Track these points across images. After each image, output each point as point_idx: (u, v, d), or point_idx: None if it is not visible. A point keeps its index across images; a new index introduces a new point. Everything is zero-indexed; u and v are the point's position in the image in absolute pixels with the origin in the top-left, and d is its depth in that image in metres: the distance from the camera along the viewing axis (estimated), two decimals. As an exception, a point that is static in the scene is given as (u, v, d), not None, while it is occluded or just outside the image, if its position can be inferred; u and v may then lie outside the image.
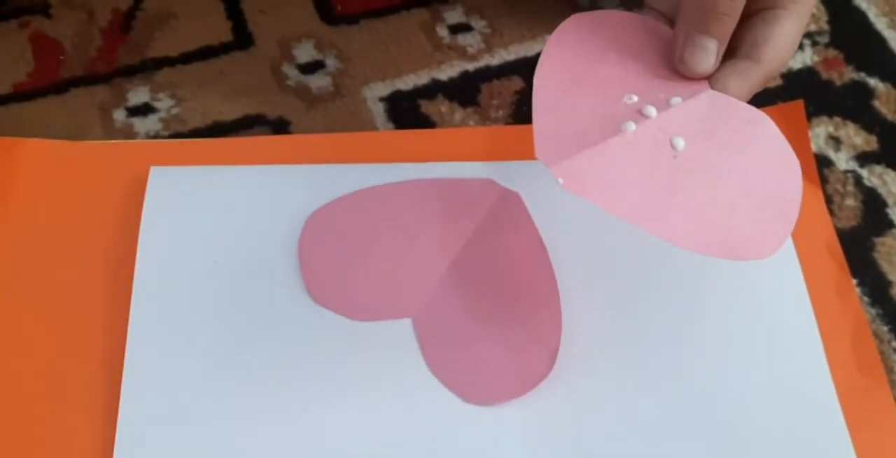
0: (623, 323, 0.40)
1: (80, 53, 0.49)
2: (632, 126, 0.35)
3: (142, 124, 0.47)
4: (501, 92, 0.49)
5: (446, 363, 0.39)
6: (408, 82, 0.49)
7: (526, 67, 0.50)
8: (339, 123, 0.47)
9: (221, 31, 0.51)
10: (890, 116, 0.48)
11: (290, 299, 0.40)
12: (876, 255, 0.44)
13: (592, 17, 0.38)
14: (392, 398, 0.38)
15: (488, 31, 0.51)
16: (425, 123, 0.48)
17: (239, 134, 0.47)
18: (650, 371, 0.39)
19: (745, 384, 0.39)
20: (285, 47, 0.50)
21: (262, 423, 0.37)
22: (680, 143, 0.35)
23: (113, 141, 0.46)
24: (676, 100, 0.36)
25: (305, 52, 0.50)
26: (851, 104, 0.49)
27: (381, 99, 0.48)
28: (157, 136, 0.46)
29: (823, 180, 0.46)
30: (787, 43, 0.37)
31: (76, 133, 0.46)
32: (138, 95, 0.48)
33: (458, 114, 0.48)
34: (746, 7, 0.37)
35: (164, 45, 0.50)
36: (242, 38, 0.50)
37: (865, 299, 0.43)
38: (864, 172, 0.47)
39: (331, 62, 0.50)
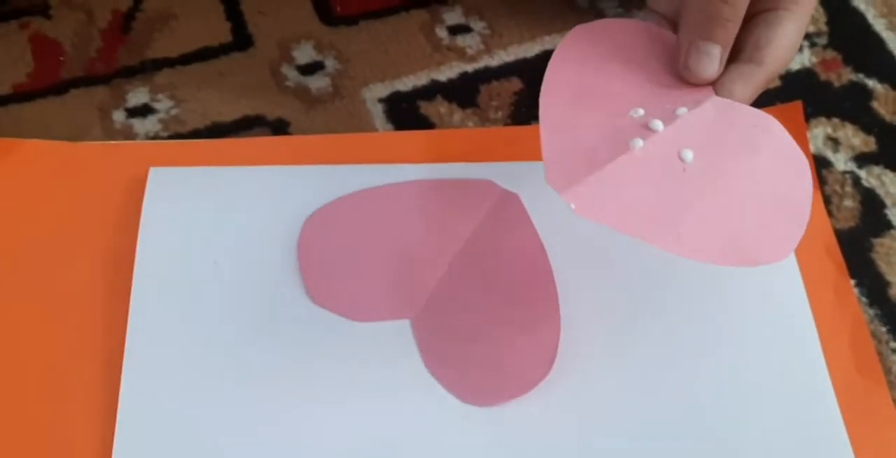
0: (621, 324, 0.40)
1: (79, 54, 0.49)
2: (639, 143, 0.35)
3: (141, 125, 0.47)
4: (500, 93, 0.49)
5: (444, 364, 0.39)
6: (407, 83, 0.49)
7: (525, 69, 0.50)
8: (339, 124, 0.47)
9: (221, 32, 0.51)
10: (888, 117, 0.49)
11: (289, 299, 0.40)
12: (874, 256, 0.44)
13: (595, 28, 0.38)
14: (390, 399, 0.38)
15: (487, 32, 0.51)
16: (424, 124, 0.48)
17: (238, 135, 0.47)
18: (648, 372, 0.39)
19: (743, 384, 0.39)
20: (284, 48, 0.50)
21: (260, 423, 0.37)
22: (688, 155, 0.35)
23: (112, 142, 0.46)
24: (682, 110, 0.36)
25: (305, 54, 0.50)
26: (850, 105, 0.49)
27: (381, 100, 0.48)
28: (156, 137, 0.47)
29: (822, 181, 0.46)
30: (788, 44, 0.38)
31: (76, 134, 0.46)
32: (138, 96, 0.48)
33: (458, 115, 0.48)
34: (748, 8, 0.37)
35: (164, 46, 0.50)
36: (242, 40, 0.50)
37: (864, 299, 0.43)
38: (862, 173, 0.47)
39: (330, 63, 0.50)
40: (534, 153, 0.45)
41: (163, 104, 0.48)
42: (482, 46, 0.51)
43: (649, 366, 0.39)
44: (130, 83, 0.48)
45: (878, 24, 0.52)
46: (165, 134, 0.47)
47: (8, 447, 0.37)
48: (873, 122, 0.48)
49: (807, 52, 0.51)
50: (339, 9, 0.52)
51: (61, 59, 0.49)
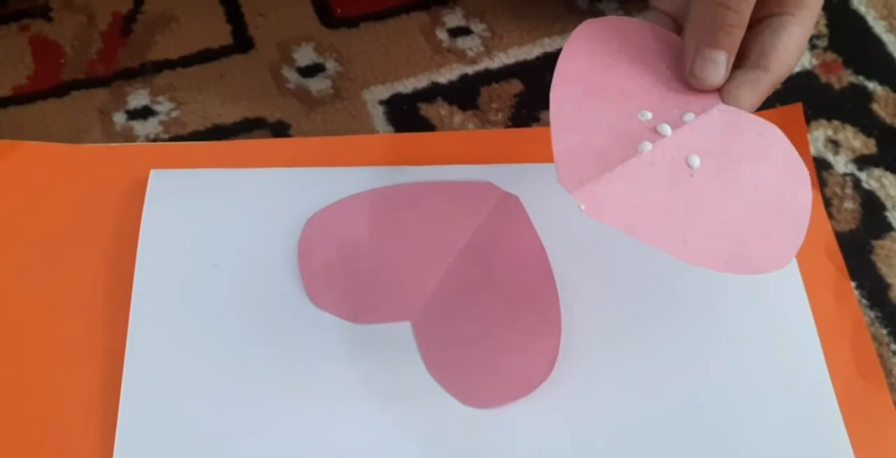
0: (622, 326, 0.40)
1: (80, 56, 0.49)
2: (648, 146, 0.35)
3: (142, 127, 0.47)
4: (501, 95, 0.49)
5: (445, 366, 0.39)
6: (407, 85, 0.49)
7: (525, 71, 0.50)
8: (339, 126, 0.47)
9: (221, 34, 0.51)
10: (888, 120, 0.49)
11: (289, 301, 0.40)
12: (875, 258, 0.44)
13: (604, 25, 0.38)
14: (391, 401, 0.38)
15: (488, 34, 0.51)
16: (425, 126, 0.48)
17: (239, 137, 0.47)
18: (649, 374, 0.39)
19: (744, 386, 0.39)
20: (285, 50, 0.50)
21: (260, 425, 0.37)
22: (695, 160, 0.35)
23: (113, 144, 0.46)
24: (689, 116, 0.36)
25: (305, 56, 0.50)
26: (850, 107, 0.49)
27: (381, 102, 0.48)
28: (156, 139, 0.47)
29: (822, 183, 0.46)
30: (794, 49, 0.38)
31: (76, 136, 0.46)
32: (138, 98, 0.48)
33: (458, 117, 0.48)
34: (753, 13, 0.37)
35: (164, 49, 0.50)
36: (242, 42, 0.50)
37: (864, 301, 0.43)
38: (862, 176, 0.47)
39: (330, 65, 0.50)
40: (534, 155, 0.46)
41: (163, 106, 0.48)
42: (482, 48, 0.51)
43: (650, 368, 0.39)
44: (131, 85, 0.48)
45: (879, 27, 0.52)
46: (166, 136, 0.47)
47: (9, 449, 0.37)
48: (873, 124, 0.48)
49: (807, 54, 0.51)
50: (339, 11, 0.52)
51: (62, 61, 0.49)
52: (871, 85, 0.50)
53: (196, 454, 0.37)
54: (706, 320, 0.41)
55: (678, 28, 0.40)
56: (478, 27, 0.52)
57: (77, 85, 0.48)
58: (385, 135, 0.47)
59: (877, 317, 0.42)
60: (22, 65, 0.49)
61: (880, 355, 0.41)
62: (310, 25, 0.51)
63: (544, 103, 0.48)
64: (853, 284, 0.43)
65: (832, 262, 0.43)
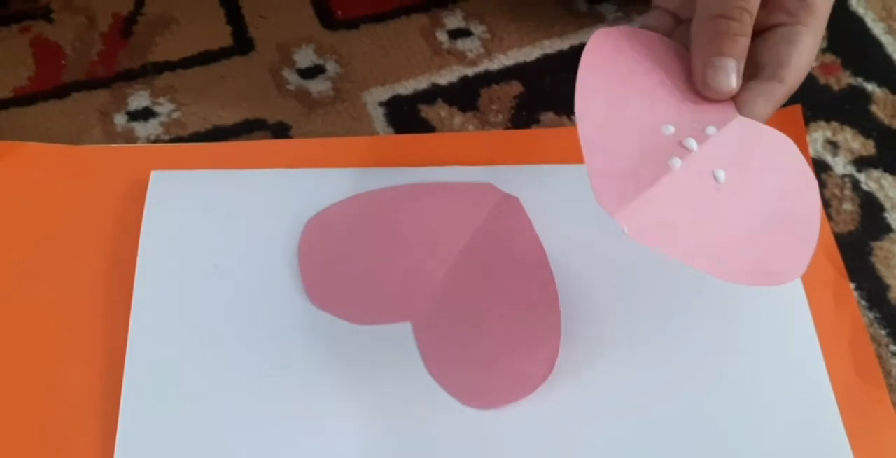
0: (621, 327, 0.41)
1: (81, 58, 0.49)
2: (677, 162, 0.35)
3: (142, 129, 0.47)
4: (501, 97, 0.49)
5: (446, 367, 0.39)
6: (408, 87, 0.49)
7: (525, 72, 0.50)
8: (340, 127, 0.48)
9: (222, 35, 0.51)
10: (887, 121, 0.49)
11: (289, 302, 0.40)
12: (873, 259, 0.44)
13: (614, 36, 0.38)
14: (391, 402, 0.38)
15: (487, 36, 0.51)
16: (425, 127, 0.48)
17: (239, 138, 0.47)
18: (648, 375, 0.39)
19: (743, 387, 0.39)
20: (285, 52, 0.50)
21: (261, 426, 0.38)
22: (721, 174, 0.35)
23: (114, 145, 0.46)
24: (711, 129, 0.36)
25: (306, 57, 0.50)
26: (849, 109, 0.49)
27: (381, 103, 0.48)
28: (157, 140, 0.47)
29: (821, 185, 0.46)
30: (808, 60, 0.38)
31: (76, 137, 0.46)
32: (139, 100, 0.48)
33: (458, 118, 0.48)
34: (762, 20, 0.38)
35: (165, 50, 0.50)
36: (243, 43, 0.50)
37: (863, 302, 0.43)
38: (861, 177, 0.47)
39: (331, 67, 0.50)
40: (534, 156, 0.46)
41: (164, 108, 0.48)
42: (482, 50, 0.51)
43: (649, 369, 0.39)
44: (131, 87, 0.48)
45: (877, 29, 0.52)
46: (167, 137, 0.47)
47: (9, 450, 0.37)
48: (872, 125, 0.49)
49: (806, 55, 0.51)
50: (339, 12, 0.52)
51: (62, 62, 0.49)
52: (870, 86, 0.50)
53: (196, 452, 0.37)
54: (705, 322, 0.41)
55: (677, 26, 0.40)
56: (478, 29, 0.52)
57: (78, 86, 0.48)
58: (385, 136, 0.47)
59: (876, 318, 0.42)
60: (23, 66, 0.49)
61: (879, 356, 0.41)
62: (310, 27, 0.51)
63: (544, 105, 0.49)
64: (852, 285, 0.43)
65: (831, 263, 0.43)
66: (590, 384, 0.39)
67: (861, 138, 0.48)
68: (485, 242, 0.42)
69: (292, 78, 0.49)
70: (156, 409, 0.38)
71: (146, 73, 0.49)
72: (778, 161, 0.37)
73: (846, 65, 0.51)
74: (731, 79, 0.37)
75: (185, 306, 0.40)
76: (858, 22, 0.52)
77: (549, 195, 0.44)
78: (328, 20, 0.52)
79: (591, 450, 0.38)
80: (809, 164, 0.46)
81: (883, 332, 0.42)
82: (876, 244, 0.45)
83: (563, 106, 0.49)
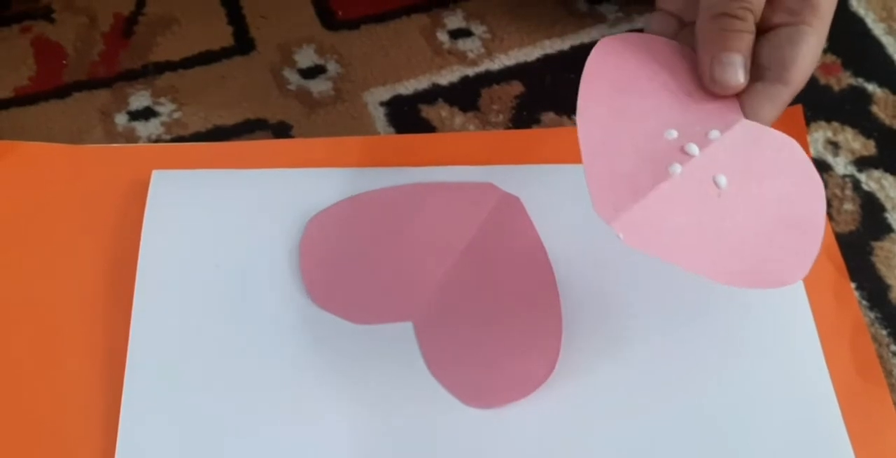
0: (623, 326, 0.41)
1: (82, 58, 0.49)
2: (678, 168, 0.35)
3: (143, 128, 0.47)
4: (501, 97, 0.49)
5: (447, 366, 0.39)
6: (408, 87, 0.49)
7: (525, 72, 0.50)
8: (340, 127, 0.48)
9: (223, 35, 0.51)
10: (888, 121, 0.49)
11: (291, 302, 0.40)
12: (874, 259, 0.44)
13: (618, 43, 0.38)
14: (393, 401, 0.38)
15: (488, 36, 0.51)
16: (426, 127, 0.48)
17: (240, 138, 0.47)
18: (649, 374, 0.39)
19: (744, 387, 0.39)
20: (286, 52, 0.50)
21: (262, 425, 0.38)
22: (722, 180, 0.35)
23: (115, 145, 0.46)
24: (715, 133, 0.36)
25: (306, 57, 0.50)
26: (850, 109, 0.49)
27: (382, 103, 0.49)
28: (158, 140, 0.47)
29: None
30: (812, 61, 0.38)
31: (77, 137, 0.46)
32: (140, 100, 0.48)
33: (459, 118, 0.48)
34: (765, 19, 0.38)
35: (166, 50, 0.50)
36: (244, 43, 0.51)
37: (864, 302, 0.43)
38: (862, 177, 0.47)
39: (332, 67, 0.50)
40: (534, 156, 0.46)
41: (165, 107, 0.48)
42: (483, 50, 0.51)
43: (650, 369, 0.40)
44: (132, 86, 0.49)
45: (878, 29, 0.52)
46: (168, 137, 0.47)
47: (10, 450, 0.37)
48: (873, 126, 0.49)
49: (806, 56, 0.51)
50: (340, 13, 0.52)
51: (63, 62, 0.49)
52: (871, 87, 0.50)
53: (197, 452, 0.37)
54: (707, 322, 0.41)
55: (681, 28, 0.40)
56: (478, 29, 0.52)
57: (79, 86, 0.48)
58: (386, 136, 0.47)
59: (877, 318, 0.42)
60: (24, 66, 0.49)
61: (880, 356, 0.41)
62: (311, 27, 0.51)
63: (544, 105, 0.49)
64: (853, 285, 0.43)
65: (832, 263, 0.43)
66: (591, 384, 0.39)
67: (862, 139, 0.48)
68: (485, 241, 0.42)
69: (293, 78, 0.49)
70: (157, 408, 0.38)
71: (147, 73, 0.49)
72: (783, 164, 0.37)
73: (847, 65, 0.51)
74: (739, 73, 0.37)
75: (187, 306, 0.40)
76: (859, 22, 0.52)
77: (550, 195, 0.44)
78: (329, 20, 0.52)
79: (592, 450, 0.38)
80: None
81: (884, 332, 0.42)
82: (877, 244, 0.45)
83: (564, 106, 0.49)
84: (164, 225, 0.42)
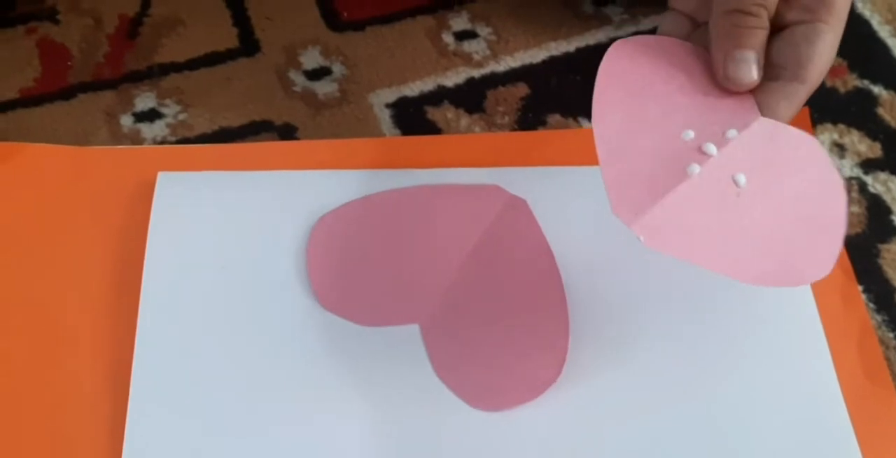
0: (630, 329, 0.40)
1: (87, 59, 0.49)
2: (696, 168, 0.35)
3: (149, 130, 0.47)
4: (507, 98, 0.49)
5: (454, 369, 0.39)
6: (414, 89, 0.49)
7: (531, 74, 0.50)
8: (346, 129, 0.48)
9: (228, 37, 0.51)
10: (894, 124, 0.49)
11: (297, 304, 0.40)
12: (881, 261, 0.44)
13: (632, 46, 0.38)
14: (399, 404, 0.38)
15: (493, 38, 0.51)
16: (431, 129, 0.48)
17: (246, 140, 0.47)
18: (656, 377, 0.39)
19: (752, 389, 0.39)
20: (291, 54, 0.50)
21: (268, 427, 0.37)
22: (742, 179, 0.35)
23: (120, 146, 0.46)
24: (732, 132, 0.36)
25: (312, 59, 0.50)
26: (856, 111, 0.49)
27: (388, 105, 0.48)
28: (164, 141, 0.47)
29: (828, 187, 0.46)
30: (828, 59, 0.38)
31: (83, 138, 0.46)
32: (145, 101, 0.48)
33: (464, 120, 0.48)
34: (780, 17, 0.38)
35: (171, 51, 0.50)
36: (249, 45, 0.50)
37: (871, 305, 0.43)
38: (868, 179, 0.47)
39: (337, 69, 0.50)
40: (540, 158, 0.46)
41: (170, 109, 0.48)
42: (488, 52, 0.51)
43: (657, 371, 0.39)
44: (138, 88, 0.48)
45: (883, 31, 0.52)
46: (173, 139, 0.47)
47: (17, 450, 0.37)
48: (879, 128, 0.49)
49: (812, 58, 0.51)
50: (345, 14, 0.52)
51: (69, 63, 0.49)
52: (877, 89, 0.50)
53: (203, 452, 0.37)
54: (714, 324, 0.41)
55: (695, 28, 0.40)
56: (483, 31, 0.52)
57: (84, 87, 0.48)
58: (392, 138, 0.47)
59: (884, 321, 0.42)
60: (29, 67, 0.49)
61: (887, 359, 0.41)
62: (316, 29, 0.51)
63: (550, 107, 0.49)
64: (860, 287, 0.43)
65: (839, 266, 0.43)
66: (598, 387, 0.39)
67: (868, 141, 0.48)
68: (492, 243, 0.42)
69: (298, 79, 0.49)
70: (163, 411, 0.38)
71: (152, 74, 0.49)
72: (802, 161, 0.37)
73: (853, 67, 0.51)
74: (752, 70, 0.37)
75: (193, 308, 0.40)
76: (865, 24, 0.52)
77: (556, 197, 0.44)
78: (334, 22, 0.52)
79: (600, 453, 0.38)
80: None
81: (891, 334, 0.42)
82: (883, 247, 0.45)
83: (570, 108, 0.49)
84: (169, 227, 0.42)
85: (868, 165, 0.47)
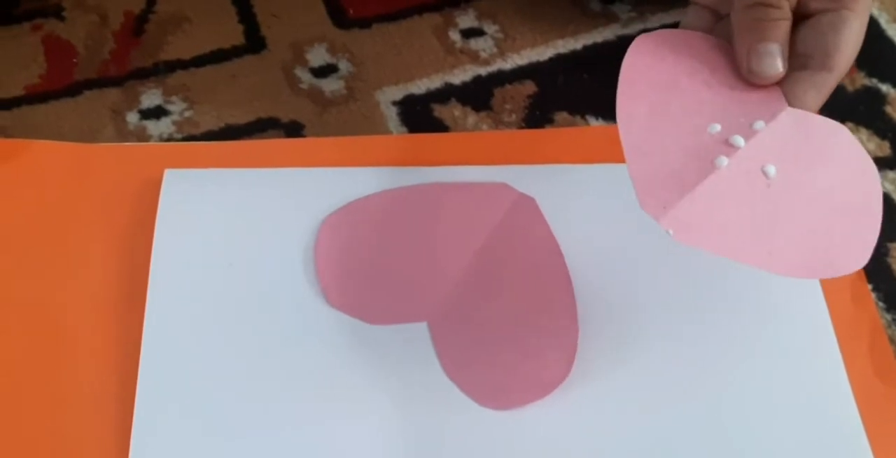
0: (639, 327, 0.40)
1: (92, 56, 0.49)
2: (724, 161, 0.35)
3: (155, 127, 0.47)
4: (514, 96, 0.49)
5: (462, 367, 0.39)
6: (421, 86, 0.49)
7: (538, 72, 0.50)
8: (353, 126, 0.47)
9: (234, 34, 0.51)
10: (902, 122, 0.49)
11: (305, 302, 0.40)
12: (890, 260, 0.44)
13: (654, 40, 0.38)
14: (408, 402, 0.38)
15: (500, 35, 0.51)
16: (438, 126, 0.47)
17: (252, 137, 0.47)
18: (666, 375, 0.39)
19: (762, 389, 0.39)
20: (298, 51, 0.50)
21: (275, 425, 0.37)
22: (771, 170, 0.35)
23: (127, 143, 0.46)
24: (759, 124, 0.36)
25: (318, 56, 0.50)
26: (864, 110, 0.49)
27: (395, 103, 0.48)
28: (170, 139, 0.46)
29: (837, 186, 0.46)
30: (855, 46, 0.37)
31: (89, 135, 0.46)
32: (151, 98, 0.48)
33: (471, 118, 0.48)
34: (804, 4, 0.37)
35: (177, 49, 0.50)
36: (255, 42, 0.50)
37: (880, 304, 0.43)
38: (877, 178, 0.47)
39: (343, 66, 0.50)
40: (548, 156, 0.46)
41: (176, 106, 0.47)
42: (495, 50, 0.51)
43: (667, 369, 0.39)
44: (144, 85, 0.48)
45: (891, 29, 0.52)
46: (179, 136, 0.46)
47: (24, 451, 0.37)
48: (887, 126, 0.48)
49: (820, 56, 0.51)
50: (351, 12, 0.52)
51: (74, 60, 0.49)
52: (885, 87, 0.50)
53: (211, 452, 0.37)
54: (724, 323, 0.40)
55: (717, 21, 0.40)
56: (490, 28, 0.51)
57: (90, 84, 0.48)
58: (399, 135, 0.47)
59: (893, 319, 0.42)
60: (34, 64, 0.49)
61: (897, 358, 0.41)
62: (322, 26, 0.51)
63: (557, 105, 0.49)
64: (869, 286, 0.43)
65: (849, 264, 0.43)
66: (608, 385, 0.39)
67: (876, 139, 0.48)
68: (501, 241, 0.42)
69: (305, 77, 0.49)
70: (170, 408, 0.37)
71: (158, 71, 0.49)
72: (832, 150, 0.36)
73: (861, 66, 0.51)
74: (777, 63, 0.36)
75: (200, 305, 0.40)
76: (873, 23, 0.52)
77: (564, 195, 0.44)
78: (340, 19, 0.51)
79: (610, 451, 0.37)
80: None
81: (900, 333, 0.42)
82: (892, 246, 0.44)
83: (577, 106, 0.48)
84: (176, 224, 0.42)
85: (877, 164, 0.46)
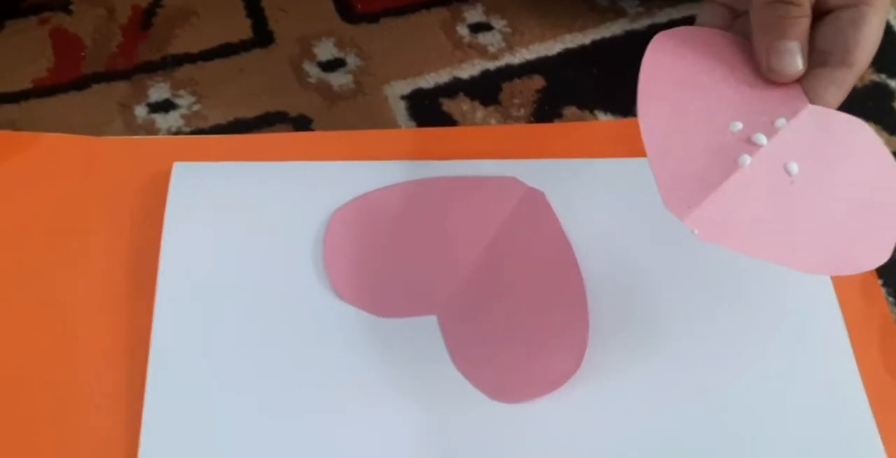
0: (649, 321, 0.40)
1: (100, 50, 0.49)
2: (747, 159, 0.35)
3: (163, 121, 0.47)
4: (523, 91, 0.49)
5: (472, 361, 0.39)
6: (429, 81, 0.49)
7: (547, 67, 0.50)
8: (361, 120, 0.47)
9: (241, 28, 0.50)
10: (911, 118, 0.49)
11: (314, 295, 0.40)
12: (900, 256, 0.44)
13: (673, 38, 0.38)
14: (417, 396, 0.38)
15: (508, 30, 0.51)
16: (447, 121, 0.47)
17: (260, 131, 0.47)
18: (676, 370, 0.39)
19: (773, 385, 0.39)
20: (306, 45, 0.50)
21: (286, 418, 0.37)
22: (794, 167, 0.35)
23: (135, 136, 0.46)
24: (781, 121, 0.36)
25: (326, 50, 0.50)
26: (872, 106, 0.49)
27: (403, 97, 0.48)
28: (178, 132, 0.46)
29: (846, 181, 0.46)
30: (875, 42, 0.37)
31: (97, 129, 0.46)
32: (159, 92, 0.48)
33: (480, 112, 0.48)
34: (824, 1, 0.37)
35: (185, 42, 0.50)
36: (263, 36, 0.50)
37: (891, 299, 0.42)
38: (886, 173, 0.46)
39: (351, 60, 0.49)
40: (556, 151, 0.46)
41: (184, 100, 0.47)
42: (504, 44, 0.51)
43: (677, 364, 0.39)
44: (152, 79, 0.48)
45: (900, 25, 0.52)
46: (188, 130, 0.46)
47: (33, 447, 0.37)
48: (895, 122, 0.48)
49: (829, 52, 0.51)
50: (359, 6, 0.52)
51: (82, 54, 0.49)
52: (893, 83, 0.50)
53: (221, 446, 0.37)
54: (736, 319, 0.40)
55: (734, 17, 0.40)
56: (498, 23, 0.51)
57: (97, 78, 0.48)
58: (408, 130, 0.47)
59: (903, 315, 0.42)
60: (42, 57, 0.49)
61: (907, 353, 0.41)
62: (330, 20, 0.51)
63: (566, 99, 0.49)
64: (880, 282, 0.43)
65: (859, 260, 0.43)
66: (617, 379, 0.39)
67: (885, 135, 0.48)
68: (510, 235, 0.42)
69: (313, 71, 0.49)
70: (180, 402, 0.37)
71: (166, 65, 0.49)
72: (854, 146, 0.36)
73: (869, 61, 0.50)
74: (797, 60, 0.36)
75: (209, 299, 0.40)
76: (881, 18, 0.52)
77: (573, 189, 0.44)
78: (348, 13, 0.51)
79: (618, 446, 0.37)
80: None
81: (910, 329, 0.42)
82: (902, 241, 0.44)
83: (586, 100, 0.48)
84: (185, 217, 0.42)
85: (886, 160, 0.47)
